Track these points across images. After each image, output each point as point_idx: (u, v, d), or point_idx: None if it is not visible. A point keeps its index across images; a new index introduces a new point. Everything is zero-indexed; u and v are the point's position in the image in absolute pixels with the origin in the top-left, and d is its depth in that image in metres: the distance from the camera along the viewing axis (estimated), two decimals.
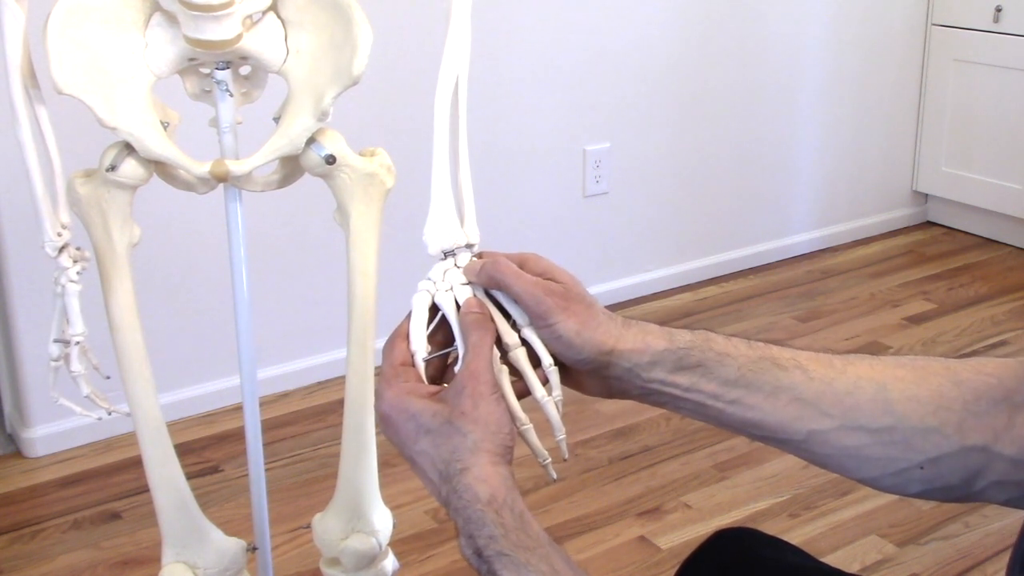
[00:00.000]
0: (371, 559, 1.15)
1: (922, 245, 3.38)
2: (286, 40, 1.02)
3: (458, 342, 0.80)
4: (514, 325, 0.81)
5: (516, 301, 0.80)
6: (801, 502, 2.04)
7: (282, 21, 1.02)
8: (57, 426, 2.18)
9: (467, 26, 0.93)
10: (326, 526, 1.15)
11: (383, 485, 1.16)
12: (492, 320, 0.80)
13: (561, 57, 2.68)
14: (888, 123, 3.39)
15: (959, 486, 0.76)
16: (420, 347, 0.80)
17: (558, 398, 0.80)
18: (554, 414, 0.80)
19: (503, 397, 0.77)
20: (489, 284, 0.81)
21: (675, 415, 2.27)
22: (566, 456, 0.80)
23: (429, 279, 0.84)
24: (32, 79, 1.01)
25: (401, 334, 0.81)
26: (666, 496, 2.07)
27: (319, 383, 2.45)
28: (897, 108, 3.39)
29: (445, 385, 0.79)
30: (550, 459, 0.80)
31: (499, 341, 0.80)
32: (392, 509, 1.19)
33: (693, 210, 3.02)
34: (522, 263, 0.81)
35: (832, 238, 3.34)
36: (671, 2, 2.81)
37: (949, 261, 3.24)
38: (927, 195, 3.52)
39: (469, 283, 0.82)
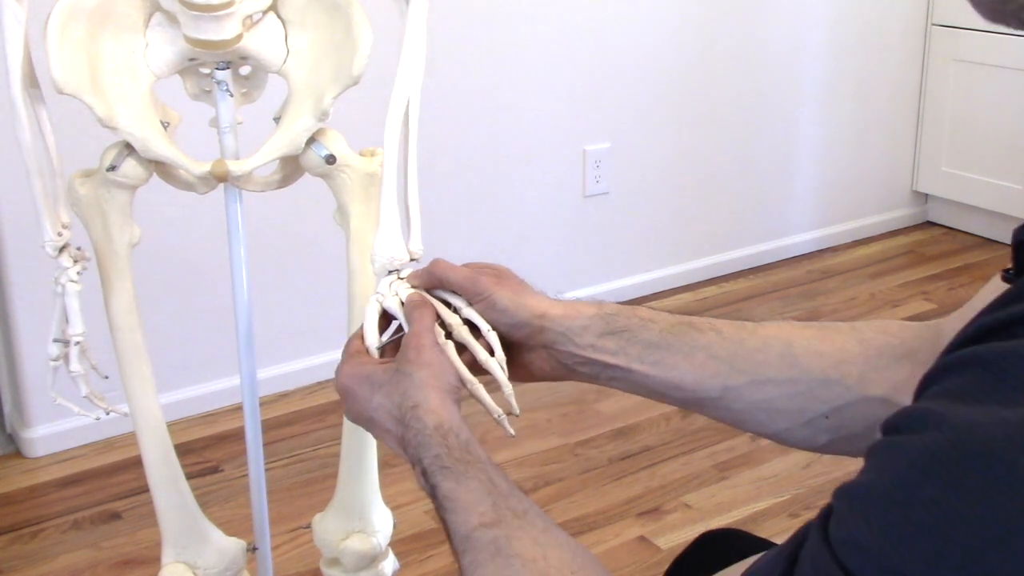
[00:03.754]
0: (371, 559, 1.15)
1: (922, 245, 3.38)
2: (286, 40, 1.02)
3: (404, 326, 0.88)
4: (456, 312, 0.88)
5: (455, 291, 0.88)
6: (801, 502, 2.04)
7: (282, 21, 1.02)
8: (57, 426, 2.18)
9: (422, 51, 1.00)
10: (326, 526, 1.15)
11: (383, 485, 1.16)
12: (432, 305, 0.88)
13: (561, 57, 2.67)
14: (888, 123, 3.39)
15: (864, 435, 0.81)
16: (373, 339, 0.88)
17: (501, 359, 0.86)
18: (499, 371, 0.85)
19: (445, 352, 0.83)
20: (429, 281, 0.90)
21: (675, 415, 2.29)
22: (517, 411, 0.86)
23: (378, 292, 0.92)
24: (32, 79, 1.01)
25: (356, 336, 0.90)
26: (666, 496, 2.07)
27: (319, 383, 2.45)
28: (897, 108, 3.39)
29: None
30: (503, 414, 0.86)
31: (444, 326, 0.87)
32: (392, 509, 1.19)
33: (693, 210, 3.02)
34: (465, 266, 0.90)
35: (832, 238, 3.34)
36: (671, 3, 2.81)
37: (949, 261, 3.24)
38: (927, 195, 3.51)
39: (413, 288, 0.91)
